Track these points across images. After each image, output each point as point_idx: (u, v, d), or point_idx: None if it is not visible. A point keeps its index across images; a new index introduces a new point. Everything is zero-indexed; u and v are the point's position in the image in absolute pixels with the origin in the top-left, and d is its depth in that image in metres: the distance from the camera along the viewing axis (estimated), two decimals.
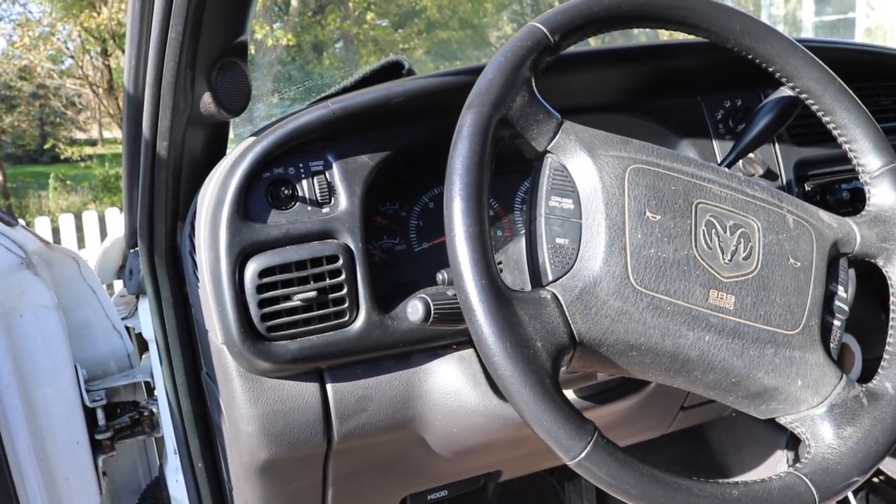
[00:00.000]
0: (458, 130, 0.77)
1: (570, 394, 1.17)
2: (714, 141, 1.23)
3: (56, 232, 7.10)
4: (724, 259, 0.83)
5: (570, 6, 0.84)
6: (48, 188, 11.86)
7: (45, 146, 14.56)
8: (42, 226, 6.93)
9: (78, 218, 6.94)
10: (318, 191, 1.02)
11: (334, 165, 1.03)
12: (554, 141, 0.82)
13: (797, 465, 0.81)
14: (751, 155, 1.22)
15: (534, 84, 0.82)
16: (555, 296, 0.76)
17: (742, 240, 0.84)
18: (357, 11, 12.94)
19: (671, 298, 0.79)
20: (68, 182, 12.16)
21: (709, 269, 0.81)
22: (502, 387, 0.71)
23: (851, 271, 0.92)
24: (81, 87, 14.35)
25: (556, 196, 0.81)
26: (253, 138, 1.03)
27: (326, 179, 1.03)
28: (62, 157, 14.05)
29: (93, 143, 15.94)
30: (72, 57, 13.96)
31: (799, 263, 0.86)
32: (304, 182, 1.02)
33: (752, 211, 0.86)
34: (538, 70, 0.82)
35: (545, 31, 0.81)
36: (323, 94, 1.09)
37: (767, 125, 1.08)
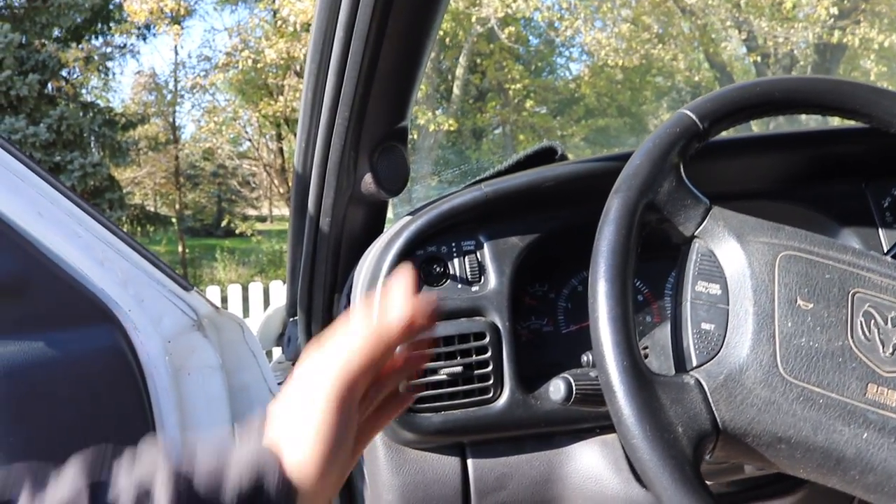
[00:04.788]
0: (605, 214, 0.78)
1: (718, 486, 1.12)
2: (881, 230, 1.17)
3: (224, 301, 7.56)
4: (884, 352, 0.78)
5: (721, 94, 0.84)
6: (219, 260, 12.71)
7: (222, 222, 15.71)
8: (212, 294, 7.40)
9: (245, 289, 7.36)
10: (468, 269, 1.05)
11: (485, 245, 1.07)
12: (702, 226, 0.81)
13: None
14: None
15: (682, 170, 0.82)
16: (698, 381, 0.74)
17: None
18: (516, 99, 13.27)
19: (824, 391, 0.75)
20: (238, 255, 12.98)
21: (867, 361, 0.77)
22: (640, 470, 0.70)
23: None
24: (256, 168, 15.44)
25: (702, 281, 0.80)
26: (409, 217, 1.08)
27: (477, 259, 1.06)
28: (236, 231, 15.10)
29: (262, 219, 17.02)
30: (249, 140, 15.10)
31: None
32: (456, 261, 1.06)
33: None
34: (687, 156, 0.82)
35: (694, 118, 0.82)
36: (478, 178, 1.14)
37: None
